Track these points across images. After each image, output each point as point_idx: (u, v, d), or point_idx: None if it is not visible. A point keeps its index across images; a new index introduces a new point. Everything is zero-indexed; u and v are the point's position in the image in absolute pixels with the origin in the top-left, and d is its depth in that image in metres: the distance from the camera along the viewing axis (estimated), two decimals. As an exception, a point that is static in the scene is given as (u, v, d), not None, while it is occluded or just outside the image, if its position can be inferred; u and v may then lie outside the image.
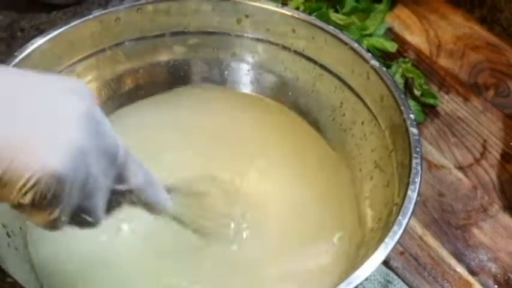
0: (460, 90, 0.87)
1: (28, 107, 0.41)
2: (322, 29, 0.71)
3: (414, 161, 0.58)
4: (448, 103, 0.85)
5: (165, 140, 0.73)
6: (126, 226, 0.65)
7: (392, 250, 0.53)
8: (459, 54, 0.92)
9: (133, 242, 0.65)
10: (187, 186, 0.61)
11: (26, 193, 0.40)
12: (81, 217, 0.45)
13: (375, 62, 0.67)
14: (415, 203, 0.55)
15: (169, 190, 0.56)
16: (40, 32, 0.74)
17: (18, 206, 0.41)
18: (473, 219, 0.74)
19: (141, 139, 0.71)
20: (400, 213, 0.55)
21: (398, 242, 0.53)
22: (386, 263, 0.70)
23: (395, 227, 0.54)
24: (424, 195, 0.75)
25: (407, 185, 0.57)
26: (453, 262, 0.70)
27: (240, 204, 0.67)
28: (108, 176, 0.46)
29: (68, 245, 0.63)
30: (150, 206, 0.53)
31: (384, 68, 0.66)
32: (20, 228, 0.63)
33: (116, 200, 0.49)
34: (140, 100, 0.76)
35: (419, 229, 0.73)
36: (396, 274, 0.69)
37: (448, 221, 0.74)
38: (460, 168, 0.79)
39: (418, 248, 0.71)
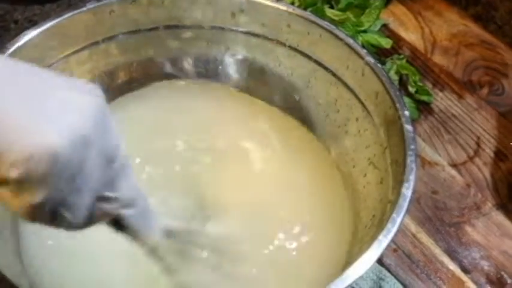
0: (454, 87, 0.87)
1: (39, 95, 0.41)
2: (317, 24, 0.70)
3: (409, 159, 0.58)
4: (442, 100, 0.85)
5: (152, 131, 0.73)
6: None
7: (386, 248, 0.53)
8: (454, 51, 0.92)
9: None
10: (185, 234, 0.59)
11: (15, 167, 0.38)
12: (61, 213, 0.42)
13: (370, 58, 0.66)
14: (410, 201, 0.55)
15: (167, 231, 0.54)
16: (33, 23, 0.73)
17: (5, 183, 0.39)
18: (467, 217, 0.74)
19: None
20: (394, 211, 0.54)
21: (392, 239, 0.53)
22: (379, 260, 0.69)
23: (389, 225, 0.53)
24: (417, 192, 0.75)
25: (402, 182, 0.56)
26: (446, 260, 0.70)
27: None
28: (100, 178, 0.44)
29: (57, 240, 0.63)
30: (134, 230, 0.50)
31: (379, 65, 0.66)
32: (11, 222, 0.63)
33: (100, 208, 0.46)
34: (129, 93, 0.76)
35: (412, 226, 0.72)
36: (389, 271, 0.69)
37: (441, 218, 0.74)
38: (454, 165, 0.79)
39: (411, 245, 0.71)
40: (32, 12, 0.92)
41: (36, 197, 0.40)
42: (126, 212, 0.48)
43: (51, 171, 0.39)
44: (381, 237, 0.53)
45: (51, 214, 0.42)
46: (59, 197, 0.41)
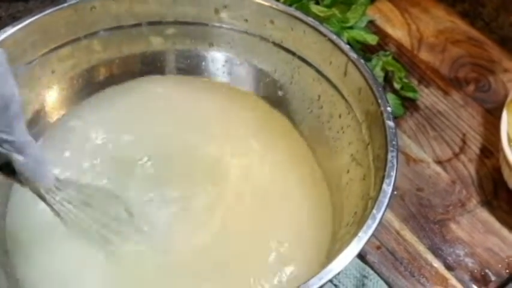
0: (440, 84, 0.87)
1: None
2: (300, 20, 0.70)
3: (390, 155, 0.57)
4: (428, 97, 0.85)
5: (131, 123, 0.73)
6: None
7: (366, 244, 0.52)
8: (440, 48, 0.91)
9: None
10: (84, 187, 0.62)
11: None
12: None
13: (353, 54, 0.66)
14: (390, 197, 0.55)
15: (60, 180, 0.58)
16: (17, 20, 0.73)
17: None
18: (451, 214, 0.74)
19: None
20: (375, 207, 0.54)
21: (372, 236, 0.53)
22: (362, 257, 0.69)
23: (369, 221, 0.53)
24: (402, 189, 0.75)
25: (383, 178, 0.56)
26: (430, 257, 0.70)
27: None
28: None
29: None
30: (25, 175, 0.54)
31: (362, 60, 0.65)
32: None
33: None
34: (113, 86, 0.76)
35: (396, 223, 0.72)
36: (372, 269, 0.68)
37: (425, 215, 0.73)
38: (439, 162, 0.78)
39: (394, 243, 0.71)
40: (16, 9, 0.92)
41: None
42: (18, 157, 0.52)
43: None
44: (360, 233, 0.52)
45: None
46: None
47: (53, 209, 0.58)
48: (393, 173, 0.56)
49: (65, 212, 0.59)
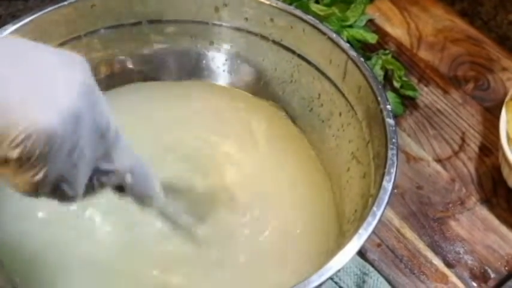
0: (439, 82, 0.87)
1: (27, 72, 0.42)
2: (300, 18, 0.70)
3: (390, 152, 0.58)
4: (427, 95, 0.85)
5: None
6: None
7: (366, 241, 0.53)
8: (439, 46, 0.91)
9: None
10: (177, 184, 0.63)
11: (15, 147, 0.40)
12: (61, 188, 0.44)
13: (352, 53, 0.66)
14: (390, 194, 0.55)
15: (164, 187, 0.57)
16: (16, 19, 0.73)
17: (5, 162, 0.41)
18: (451, 211, 0.74)
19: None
20: (375, 204, 0.54)
21: (372, 233, 0.53)
22: (362, 255, 0.69)
23: (369, 218, 0.53)
24: (402, 187, 0.75)
25: (383, 176, 0.56)
26: (430, 254, 0.70)
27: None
28: (95, 151, 0.46)
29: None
30: (137, 195, 0.53)
31: (362, 59, 0.66)
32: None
33: (98, 179, 0.48)
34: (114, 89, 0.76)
35: (396, 221, 0.72)
36: (373, 266, 0.69)
37: (425, 213, 0.73)
38: (439, 160, 0.78)
39: (395, 240, 0.71)
40: (16, 7, 0.92)
41: (36, 175, 0.42)
42: (124, 182, 0.51)
43: (48, 148, 0.41)
44: (361, 230, 0.52)
45: (51, 189, 0.44)
46: (57, 173, 0.43)
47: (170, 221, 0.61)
48: (393, 170, 0.56)
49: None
